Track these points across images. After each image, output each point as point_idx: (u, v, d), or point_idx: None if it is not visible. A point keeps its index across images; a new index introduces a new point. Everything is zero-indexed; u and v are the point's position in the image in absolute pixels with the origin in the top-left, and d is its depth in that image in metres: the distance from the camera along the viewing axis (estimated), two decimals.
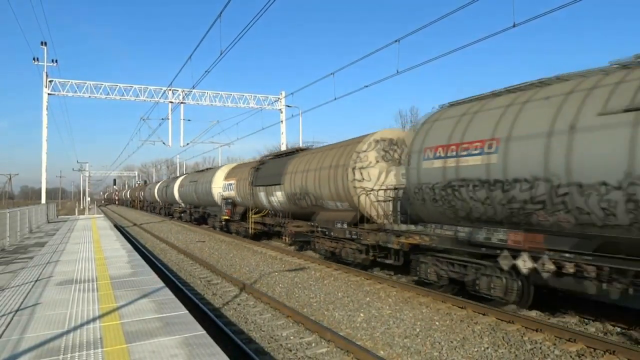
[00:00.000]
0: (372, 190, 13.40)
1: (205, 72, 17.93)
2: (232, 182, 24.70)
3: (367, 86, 24.08)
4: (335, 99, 20.99)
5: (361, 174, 13.57)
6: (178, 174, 58.87)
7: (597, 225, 7.25)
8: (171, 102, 33.61)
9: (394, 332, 8.08)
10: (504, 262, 8.74)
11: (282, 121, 36.05)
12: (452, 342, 7.55)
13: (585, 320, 8.47)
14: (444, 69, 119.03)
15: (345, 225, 14.05)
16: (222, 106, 34.71)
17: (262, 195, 20.42)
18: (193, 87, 26.81)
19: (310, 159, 16.78)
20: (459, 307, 9.42)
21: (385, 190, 13.02)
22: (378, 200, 13.23)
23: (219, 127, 45.67)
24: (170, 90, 32.96)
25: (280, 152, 22.14)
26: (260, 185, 20.40)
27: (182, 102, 33.76)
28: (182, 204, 38.54)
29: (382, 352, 7.20)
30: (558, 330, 7.59)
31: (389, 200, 12.92)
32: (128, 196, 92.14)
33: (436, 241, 10.32)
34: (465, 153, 9.30)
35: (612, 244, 7.30)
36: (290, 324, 8.72)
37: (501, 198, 8.54)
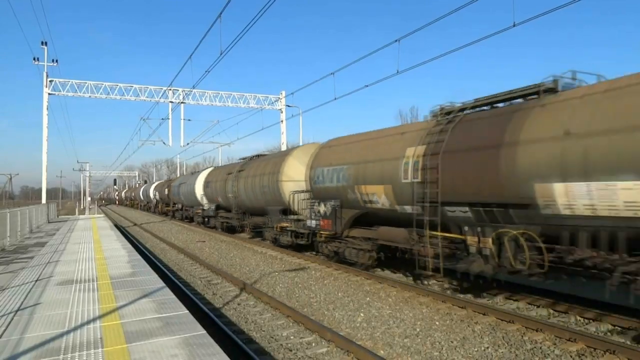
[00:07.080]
0: None
1: (206, 72, 18.05)
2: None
3: (367, 86, 24.20)
4: (335, 98, 21.89)
5: None
6: (178, 174, 58.35)
7: None
8: (171, 102, 33.63)
9: (394, 332, 8.09)
10: None
11: (282, 121, 36.07)
12: (452, 342, 7.55)
13: (586, 320, 8.47)
14: (444, 69, 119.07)
15: None
16: (222, 106, 34.76)
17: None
18: (193, 87, 26.85)
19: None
20: (459, 307, 9.42)
21: None
22: None
23: (219, 127, 45.77)
24: (170, 90, 32.97)
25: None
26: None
27: (182, 102, 33.77)
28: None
29: (382, 352, 7.20)
30: (558, 330, 7.59)
31: None
32: (147, 195, 57.60)
33: None
34: None
35: None
36: (291, 324, 8.72)
37: None
